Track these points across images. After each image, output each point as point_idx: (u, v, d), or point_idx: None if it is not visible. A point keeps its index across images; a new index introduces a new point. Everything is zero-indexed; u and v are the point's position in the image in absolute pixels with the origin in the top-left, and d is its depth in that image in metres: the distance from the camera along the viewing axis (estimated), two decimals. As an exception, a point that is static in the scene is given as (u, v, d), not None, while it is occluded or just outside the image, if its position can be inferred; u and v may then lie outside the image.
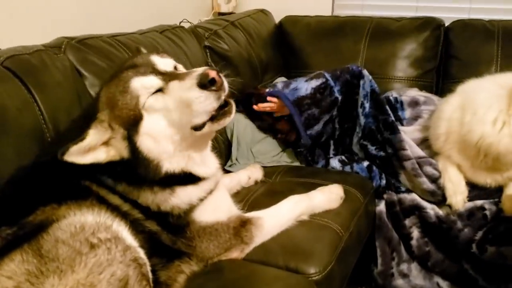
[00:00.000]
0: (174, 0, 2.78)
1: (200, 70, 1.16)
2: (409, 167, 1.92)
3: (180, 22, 2.63)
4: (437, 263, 1.86)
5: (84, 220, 1.04)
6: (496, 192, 1.86)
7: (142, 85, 1.18)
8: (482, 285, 1.80)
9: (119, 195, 1.23)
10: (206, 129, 1.21)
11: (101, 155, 1.17)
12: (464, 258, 1.81)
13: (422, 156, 1.98)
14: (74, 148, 1.12)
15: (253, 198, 1.73)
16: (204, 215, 1.35)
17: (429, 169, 1.93)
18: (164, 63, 1.26)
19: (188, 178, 1.30)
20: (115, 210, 1.18)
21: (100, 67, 1.66)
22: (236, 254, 1.39)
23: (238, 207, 1.52)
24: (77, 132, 1.16)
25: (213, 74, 1.13)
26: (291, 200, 1.54)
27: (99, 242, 0.99)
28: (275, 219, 1.47)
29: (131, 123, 1.17)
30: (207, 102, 1.14)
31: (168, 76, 1.20)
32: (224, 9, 3.16)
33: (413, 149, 1.97)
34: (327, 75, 2.02)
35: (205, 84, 1.13)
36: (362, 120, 2.03)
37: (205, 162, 1.35)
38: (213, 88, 1.14)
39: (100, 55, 1.69)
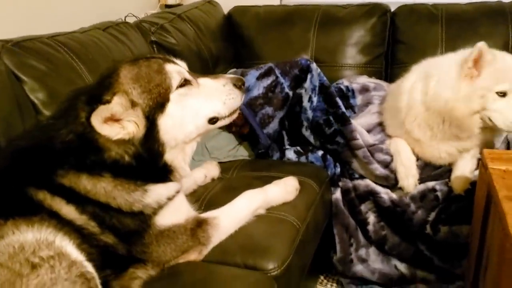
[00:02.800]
0: (118, -6, 2.69)
1: (231, 75, 1.40)
2: (361, 155, 1.94)
3: (125, 17, 2.55)
4: (394, 246, 1.91)
5: (24, 239, 0.99)
6: (446, 173, 1.92)
7: (175, 70, 1.28)
8: (438, 264, 1.87)
9: (75, 206, 1.18)
10: (219, 123, 1.37)
11: (117, 130, 1.19)
12: (419, 239, 1.86)
13: (373, 143, 2.01)
14: (102, 109, 1.14)
15: (209, 197, 1.70)
16: (165, 218, 1.32)
17: (380, 156, 1.97)
18: (183, 65, 1.38)
19: (161, 177, 1.31)
20: (65, 224, 1.14)
21: (40, 71, 1.59)
22: (194, 256, 1.37)
23: (194, 207, 1.50)
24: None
25: (243, 80, 1.38)
26: (246, 196, 1.52)
27: (41, 261, 0.94)
28: (231, 217, 1.45)
29: (159, 103, 1.23)
30: (237, 98, 1.36)
31: (192, 75, 1.34)
32: (171, 1, 3.09)
33: (364, 138, 1.99)
34: (277, 72, 2.01)
35: (239, 85, 1.36)
36: (310, 114, 2.03)
37: (187, 162, 1.38)
38: (242, 89, 1.37)
39: (39, 57, 1.61)
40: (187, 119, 1.30)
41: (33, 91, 1.55)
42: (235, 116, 1.40)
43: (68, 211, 1.17)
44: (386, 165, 1.97)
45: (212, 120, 1.35)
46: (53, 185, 1.18)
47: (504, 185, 1.30)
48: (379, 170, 1.94)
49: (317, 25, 2.68)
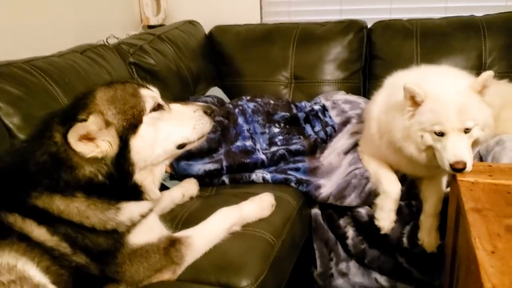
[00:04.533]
0: (99, 16, 2.71)
1: (201, 103, 1.52)
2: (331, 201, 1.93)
3: (107, 38, 2.58)
4: (373, 259, 1.92)
5: (-16, 264, 0.99)
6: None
7: (149, 94, 1.35)
8: (417, 276, 1.88)
9: (47, 228, 1.19)
10: (187, 147, 1.43)
11: (91, 148, 1.22)
12: (398, 252, 1.88)
13: (347, 173, 1.98)
14: (79, 126, 1.18)
15: (187, 215, 1.70)
16: (137, 237, 1.33)
17: (355, 182, 1.93)
18: (156, 91, 1.44)
19: (133, 196, 1.33)
20: (35, 246, 1.14)
21: (14, 95, 1.60)
22: (168, 275, 1.37)
23: (170, 226, 1.51)
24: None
25: (212, 108, 1.47)
26: (220, 213, 1.54)
27: (1, 285, 0.94)
28: (205, 236, 1.46)
29: (132, 124, 1.27)
30: (207, 124, 1.44)
31: (164, 100, 1.40)
32: (154, 21, 3.12)
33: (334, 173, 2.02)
34: (224, 163, 1.99)
35: (208, 112, 1.44)
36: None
37: (156, 185, 1.41)
38: (211, 117, 1.45)
39: (14, 82, 1.62)
40: (158, 141, 1.34)
41: (7, 115, 1.56)
42: (202, 140, 1.46)
43: (39, 233, 1.18)
44: (362, 189, 1.91)
45: (180, 145, 1.41)
46: (25, 207, 1.20)
47: (471, 197, 1.33)
48: (354, 202, 1.90)
49: (295, 43, 2.72)
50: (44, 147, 1.23)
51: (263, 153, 2.08)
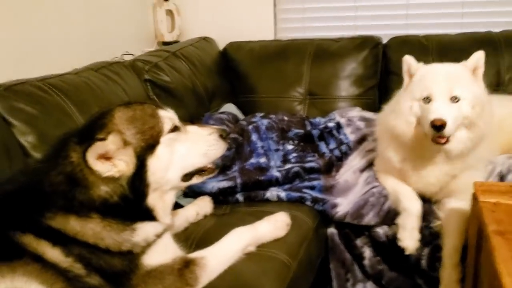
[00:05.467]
0: (114, 33, 2.75)
1: (217, 126, 1.57)
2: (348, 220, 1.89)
3: (122, 55, 2.60)
4: (391, 280, 1.87)
5: (-4, 289, 0.98)
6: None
7: (167, 116, 1.35)
8: (436, 298, 1.82)
9: (61, 249, 1.18)
10: (193, 180, 1.43)
11: (108, 167, 1.21)
12: (417, 273, 1.82)
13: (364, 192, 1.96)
14: (98, 145, 1.17)
15: (201, 234, 1.68)
16: (152, 258, 1.31)
17: (373, 200, 1.91)
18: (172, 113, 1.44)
19: (147, 217, 1.32)
20: (49, 268, 1.13)
21: (30, 114, 1.61)
22: (182, 297, 1.35)
23: (183, 247, 1.48)
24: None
25: (227, 131, 1.48)
26: (235, 233, 1.51)
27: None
28: (219, 257, 1.43)
29: (150, 144, 1.28)
30: (219, 150, 1.43)
31: (181, 122, 1.41)
32: (168, 38, 3.15)
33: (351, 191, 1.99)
34: (238, 180, 1.97)
35: (223, 136, 1.44)
36: None
37: (167, 212, 1.40)
38: (226, 140, 1.45)
39: (29, 101, 1.63)
40: (173, 162, 1.34)
41: (22, 134, 1.57)
42: (212, 175, 1.48)
43: (53, 254, 1.17)
44: (380, 207, 1.88)
45: (187, 177, 1.41)
46: (39, 228, 1.19)
47: (494, 219, 1.28)
48: (373, 220, 1.86)
49: (310, 59, 2.72)
50: (60, 167, 1.23)
51: (277, 170, 2.06)
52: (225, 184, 1.96)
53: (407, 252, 1.74)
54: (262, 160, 2.09)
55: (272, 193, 1.96)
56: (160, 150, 1.30)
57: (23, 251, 1.14)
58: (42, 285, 1.04)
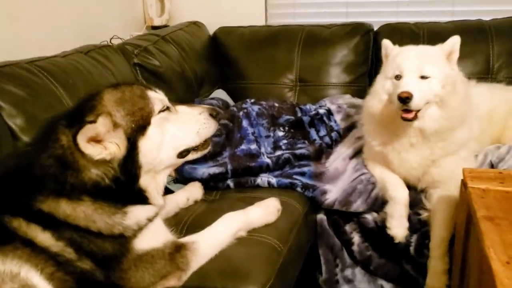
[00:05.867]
0: (103, 16, 2.70)
1: (207, 106, 1.49)
2: (337, 207, 1.91)
3: (110, 39, 2.56)
4: (379, 266, 1.89)
5: (-14, 272, 0.97)
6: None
7: (157, 97, 1.34)
8: (424, 284, 1.84)
9: (52, 233, 1.17)
10: (188, 157, 1.42)
11: (99, 150, 1.20)
12: (405, 259, 1.84)
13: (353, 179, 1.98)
14: (88, 128, 1.15)
15: (192, 219, 1.68)
16: (143, 242, 1.31)
17: (361, 187, 1.93)
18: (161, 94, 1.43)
19: (139, 200, 1.31)
20: (40, 252, 1.12)
21: (18, 96, 1.58)
22: (173, 282, 1.35)
23: (174, 231, 1.48)
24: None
25: (218, 110, 1.48)
26: (226, 218, 1.51)
27: (5, 294, 0.92)
28: (210, 241, 1.44)
29: (140, 125, 1.26)
30: (211, 128, 1.42)
31: (170, 102, 1.39)
32: (157, 22, 3.10)
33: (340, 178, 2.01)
34: (229, 166, 1.97)
35: (214, 115, 1.43)
36: None
37: (159, 193, 1.39)
38: (216, 119, 1.44)
39: (18, 83, 1.60)
40: (164, 143, 1.33)
41: (11, 116, 1.54)
42: (205, 151, 1.46)
43: (44, 238, 1.16)
44: (368, 194, 1.90)
45: (182, 154, 1.40)
46: (30, 212, 1.17)
47: (483, 205, 1.30)
48: (361, 207, 1.88)
49: (301, 45, 2.71)
50: (50, 150, 1.21)
51: (268, 157, 2.06)
52: (215, 170, 1.95)
53: (396, 241, 1.76)
54: (253, 146, 2.08)
55: (263, 179, 1.97)
56: (151, 131, 1.29)
57: (14, 235, 1.13)
58: (32, 269, 1.03)
